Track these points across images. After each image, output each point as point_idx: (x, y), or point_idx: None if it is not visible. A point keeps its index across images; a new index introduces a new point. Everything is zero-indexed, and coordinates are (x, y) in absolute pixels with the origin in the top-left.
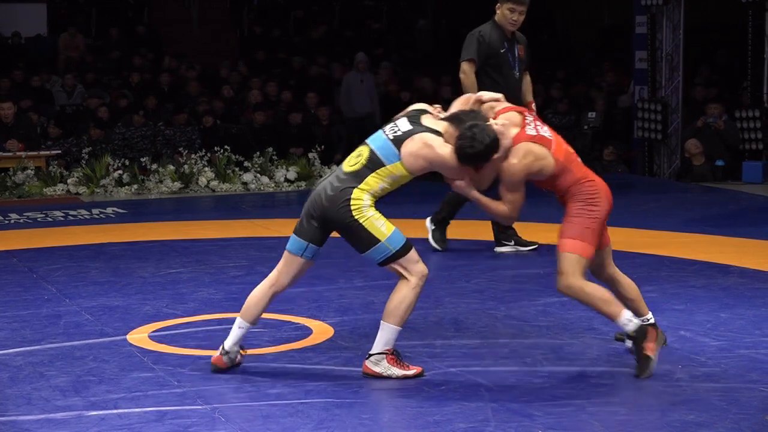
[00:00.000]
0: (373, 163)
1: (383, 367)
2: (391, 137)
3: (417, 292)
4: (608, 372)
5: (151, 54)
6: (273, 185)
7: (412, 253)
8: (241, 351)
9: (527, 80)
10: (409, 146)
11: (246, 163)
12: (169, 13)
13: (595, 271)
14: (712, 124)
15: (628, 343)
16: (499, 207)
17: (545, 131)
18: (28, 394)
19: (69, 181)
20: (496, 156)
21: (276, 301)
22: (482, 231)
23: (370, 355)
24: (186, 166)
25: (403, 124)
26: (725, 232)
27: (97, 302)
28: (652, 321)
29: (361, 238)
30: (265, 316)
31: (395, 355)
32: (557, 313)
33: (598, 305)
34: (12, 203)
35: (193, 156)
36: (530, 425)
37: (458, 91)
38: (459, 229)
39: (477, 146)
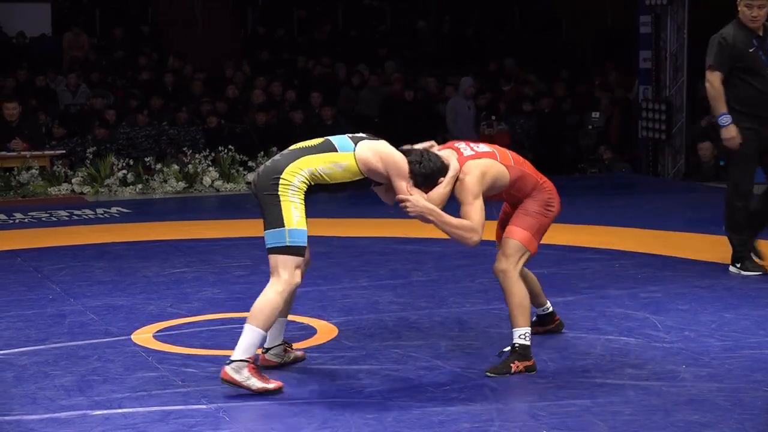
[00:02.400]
0: (324, 147)
1: (243, 376)
2: (349, 137)
3: (282, 298)
4: (612, 372)
5: (155, 54)
6: None
7: (298, 259)
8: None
9: None
10: (370, 143)
11: (250, 163)
12: (173, 13)
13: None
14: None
15: (507, 348)
16: (460, 223)
17: (482, 147)
18: (32, 394)
19: (73, 180)
20: (441, 180)
21: None
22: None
23: (231, 361)
24: (190, 166)
25: (361, 135)
26: None
27: (102, 302)
28: (550, 310)
29: (272, 213)
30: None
31: (256, 365)
32: (561, 313)
33: (515, 306)
34: (16, 203)
35: (197, 156)
36: (535, 425)
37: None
38: None
39: (426, 165)
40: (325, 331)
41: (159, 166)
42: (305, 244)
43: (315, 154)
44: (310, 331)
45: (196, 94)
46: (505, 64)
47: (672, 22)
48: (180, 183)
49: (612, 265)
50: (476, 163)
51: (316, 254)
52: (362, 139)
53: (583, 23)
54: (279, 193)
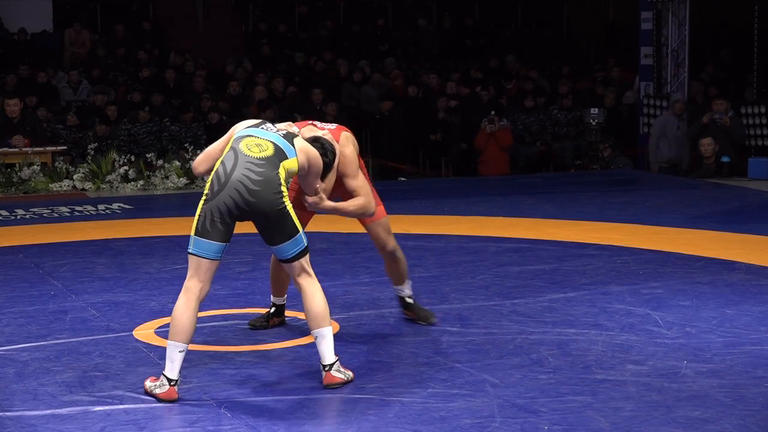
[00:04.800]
0: (280, 154)
1: (343, 373)
2: (281, 134)
3: (318, 283)
4: (614, 368)
5: (156, 50)
6: None
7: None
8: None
9: None
10: (300, 142)
11: None
12: (174, 9)
13: None
14: (718, 121)
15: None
16: (356, 202)
17: (329, 125)
18: (34, 390)
19: (75, 176)
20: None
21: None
22: (487, 227)
23: (331, 365)
24: (191, 162)
25: (271, 126)
26: (731, 228)
27: (103, 298)
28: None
29: (286, 226)
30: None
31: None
32: (562, 309)
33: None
34: (18, 199)
35: (198, 152)
36: (536, 421)
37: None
38: (464, 226)
39: (329, 156)
40: None
41: (160, 162)
42: None
43: (281, 162)
44: None
45: (197, 91)
46: (506, 61)
47: (673, 18)
48: (181, 179)
49: (613, 262)
50: (346, 137)
51: (318, 251)
52: (290, 138)
53: (584, 19)
54: (285, 203)
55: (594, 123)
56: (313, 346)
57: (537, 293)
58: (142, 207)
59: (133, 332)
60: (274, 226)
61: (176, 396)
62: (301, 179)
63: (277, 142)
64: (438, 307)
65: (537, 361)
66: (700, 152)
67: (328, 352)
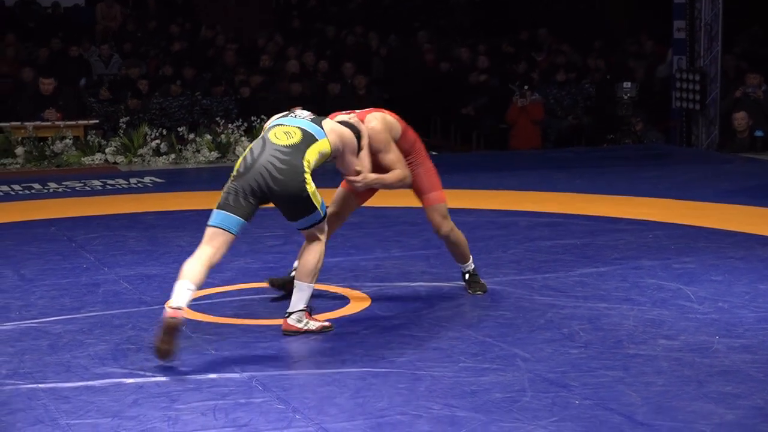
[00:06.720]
0: (309, 138)
1: (303, 323)
2: (309, 119)
3: (324, 250)
4: (645, 343)
5: (187, 24)
6: None
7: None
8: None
9: None
10: (329, 123)
11: None
12: None
13: (339, 220)
14: (751, 94)
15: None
16: (395, 174)
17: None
18: (67, 362)
19: (107, 150)
20: (362, 144)
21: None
22: (518, 201)
23: (290, 313)
24: (223, 136)
25: (301, 112)
26: (764, 202)
27: (135, 271)
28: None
29: (306, 208)
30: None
31: (309, 310)
32: (594, 284)
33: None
34: (51, 172)
35: (230, 126)
36: (567, 396)
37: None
38: (496, 200)
39: (358, 135)
40: (357, 300)
41: (192, 136)
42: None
43: (308, 147)
44: (343, 301)
45: (228, 65)
46: (538, 34)
47: None
48: (213, 153)
49: (645, 236)
50: (373, 115)
51: (349, 224)
52: (319, 121)
53: None
54: (309, 190)
55: (626, 97)
56: (343, 320)
57: (568, 268)
58: (174, 181)
59: (165, 305)
60: (295, 209)
61: (180, 317)
62: (339, 161)
63: (304, 127)
64: (487, 290)
65: (568, 335)
66: (733, 126)
67: (294, 302)
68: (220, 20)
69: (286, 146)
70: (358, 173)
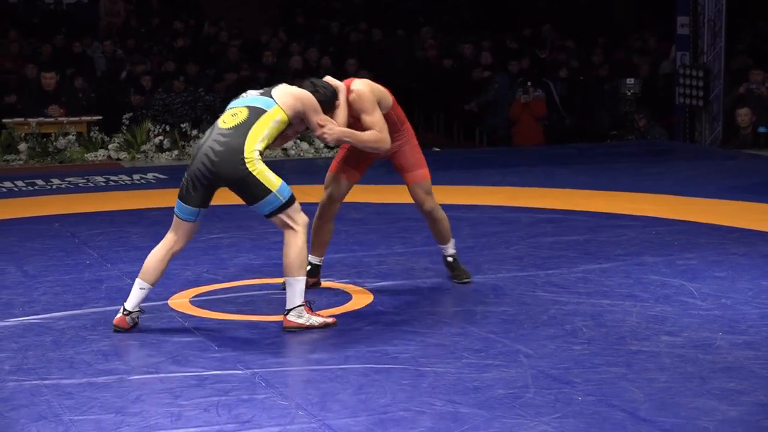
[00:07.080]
0: (255, 113)
1: (304, 318)
2: (258, 94)
3: (305, 240)
4: (648, 339)
5: (191, 20)
6: (313, 151)
7: (297, 205)
8: (141, 312)
9: None
10: (280, 89)
11: None
12: None
13: (333, 203)
14: (755, 91)
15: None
16: (372, 133)
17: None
18: (70, 358)
19: (110, 146)
20: (338, 102)
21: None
22: (521, 197)
23: (289, 310)
24: None
25: (253, 91)
26: (767, 199)
27: (138, 267)
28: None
29: (255, 189)
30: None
31: (310, 305)
32: (597, 280)
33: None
34: (54, 168)
35: None
36: (570, 392)
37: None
38: (498, 196)
39: (322, 92)
40: (360, 296)
41: (195, 132)
42: (291, 191)
43: (255, 122)
44: (346, 297)
45: (232, 61)
46: (541, 30)
47: None
48: None
49: (648, 232)
50: (360, 80)
51: (352, 220)
52: (268, 92)
53: None
54: (251, 170)
55: (629, 93)
56: (346, 316)
57: (571, 264)
58: (177, 177)
59: (168, 301)
60: (242, 191)
61: (126, 325)
62: (303, 123)
63: (251, 104)
64: (472, 278)
65: (571, 331)
66: (737, 122)
67: (289, 299)
68: (223, 16)
69: (229, 128)
70: (322, 127)
